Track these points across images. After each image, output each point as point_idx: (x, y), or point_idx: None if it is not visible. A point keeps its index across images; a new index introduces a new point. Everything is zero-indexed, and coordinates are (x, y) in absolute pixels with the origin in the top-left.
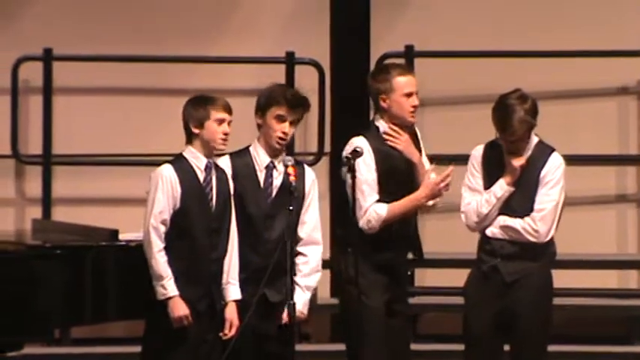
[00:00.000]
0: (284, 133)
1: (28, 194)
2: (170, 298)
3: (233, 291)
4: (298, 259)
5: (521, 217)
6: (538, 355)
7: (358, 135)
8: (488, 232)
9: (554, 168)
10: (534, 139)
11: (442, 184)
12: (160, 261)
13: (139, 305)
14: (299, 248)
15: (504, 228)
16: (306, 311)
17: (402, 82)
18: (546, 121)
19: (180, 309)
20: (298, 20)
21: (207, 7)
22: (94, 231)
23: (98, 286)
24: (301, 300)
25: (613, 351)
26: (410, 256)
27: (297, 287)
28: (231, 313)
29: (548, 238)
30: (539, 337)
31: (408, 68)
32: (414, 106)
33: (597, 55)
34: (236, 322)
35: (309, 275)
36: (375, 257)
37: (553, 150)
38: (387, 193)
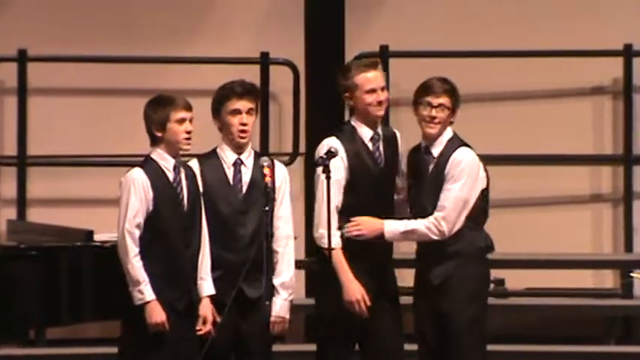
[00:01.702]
0: (243, 124)
1: (3, 195)
2: (147, 302)
3: (206, 287)
4: (273, 257)
5: (430, 214)
6: (468, 356)
7: (330, 136)
8: (389, 237)
9: (456, 164)
10: (448, 135)
11: (357, 308)
12: (136, 266)
13: (115, 306)
14: (273, 245)
15: (406, 233)
16: (285, 314)
17: (363, 78)
18: (521, 121)
19: (157, 314)
20: (273, 21)
21: (182, 8)
22: (69, 232)
23: (73, 287)
24: (278, 303)
25: (589, 351)
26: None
27: (274, 290)
28: (205, 309)
29: (450, 235)
30: (467, 337)
31: (372, 64)
32: (379, 102)
33: (572, 54)
34: (210, 317)
35: (282, 272)
36: (359, 259)
37: (460, 145)
38: (355, 195)
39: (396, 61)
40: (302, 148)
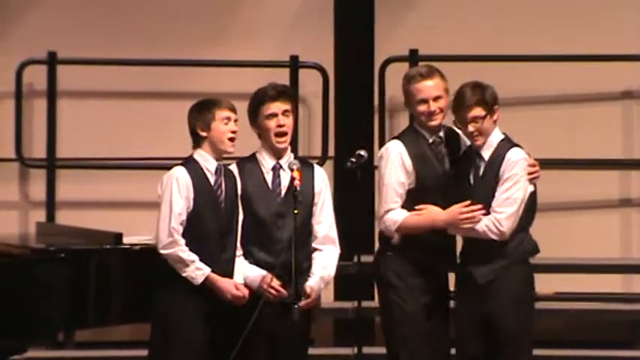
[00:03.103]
0: (279, 125)
1: (32, 197)
2: (207, 276)
3: (237, 275)
4: (315, 254)
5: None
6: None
7: (394, 138)
8: (451, 229)
9: (511, 164)
10: (498, 137)
11: (464, 215)
12: (187, 250)
13: (143, 308)
14: (316, 245)
15: (465, 228)
16: (317, 290)
17: (415, 89)
18: (550, 125)
19: (223, 287)
20: (302, 24)
21: (211, 11)
22: (98, 234)
23: (102, 290)
24: (315, 281)
25: (617, 355)
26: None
27: (311, 274)
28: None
29: (509, 235)
30: (516, 340)
31: (427, 73)
32: (430, 112)
33: (601, 59)
34: (245, 291)
35: (325, 267)
36: (416, 260)
37: (512, 146)
38: (419, 199)
39: None
40: (331, 152)
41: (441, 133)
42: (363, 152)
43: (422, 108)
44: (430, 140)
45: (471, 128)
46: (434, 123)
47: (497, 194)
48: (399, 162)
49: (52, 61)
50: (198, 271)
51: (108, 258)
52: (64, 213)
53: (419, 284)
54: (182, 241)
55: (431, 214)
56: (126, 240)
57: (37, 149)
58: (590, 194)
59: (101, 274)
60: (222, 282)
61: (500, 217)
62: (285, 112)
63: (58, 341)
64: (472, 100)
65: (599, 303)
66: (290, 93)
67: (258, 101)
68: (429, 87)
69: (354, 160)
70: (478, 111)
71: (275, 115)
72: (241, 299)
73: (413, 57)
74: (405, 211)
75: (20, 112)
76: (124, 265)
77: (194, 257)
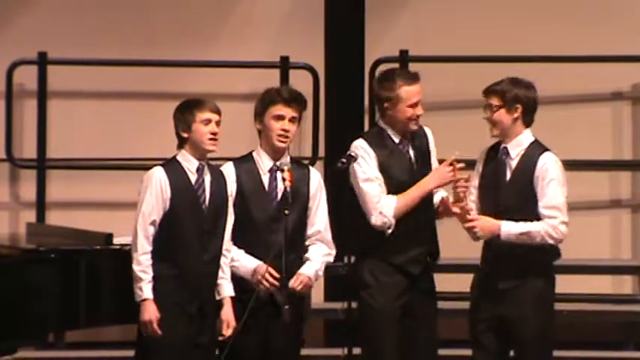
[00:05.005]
0: (284, 130)
1: (22, 198)
2: (144, 300)
3: (227, 288)
4: (309, 248)
5: (517, 217)
6: None
7: (359, 137)
8: (504, 237)
9: (545, 170)
10: (529, 138)
11: (449, 169)
12: (142, 263)
13: (133, 309)
14: (309, 243)
15: (521, 235)
16: (310, 275)
17: (408, 92)
18: (540, 126)
19: (148, 313)
20: (293, 25)
21: (202, 12)
22: (89, 235)
23: (92, 290)
24: (310, 268)
25: (607, 356)
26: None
27: (307, 261)
28: (226, 313)
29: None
30: (537, 345)
31: (414, 76)
32: (418, 116)
33: (591, 60)
34: (232, 322)
35: (320, 257)
36: (391, 260)
37: (544, 150)
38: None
39: (416, 66)
40: (321, 152)
41: (409, 134)
42: (353, 153)
43: (411, 112)
44: (397, 140)
45: (484, 115)
46: (417, 127)
47: (543, 199)
48: (368, 158)
49: (42, 62)
50: (139, 291)
51: (98, 258)
52: (54, 213)
53: (395, 284)
54: (146, 248)
55: (418, 184)
56: (116, 240)
57: (28, 150)
58: (579, 195)
59: (91, 274)
60: (146, 313)
61: (555, 222)
62: (292, 119)
63: (49, 342)
64: (490, 87)
65: (588, 304)
66: (303, 101)
67: (269, 99)
68: (419, 90)
69: (344, 160)
70: (492, 99)
71: (283, 118)
72: (145, 328)
73: (403, 58)
74: (392, 196)
75: (10, 112)
76: (114, 266)
77: (144, 276)
